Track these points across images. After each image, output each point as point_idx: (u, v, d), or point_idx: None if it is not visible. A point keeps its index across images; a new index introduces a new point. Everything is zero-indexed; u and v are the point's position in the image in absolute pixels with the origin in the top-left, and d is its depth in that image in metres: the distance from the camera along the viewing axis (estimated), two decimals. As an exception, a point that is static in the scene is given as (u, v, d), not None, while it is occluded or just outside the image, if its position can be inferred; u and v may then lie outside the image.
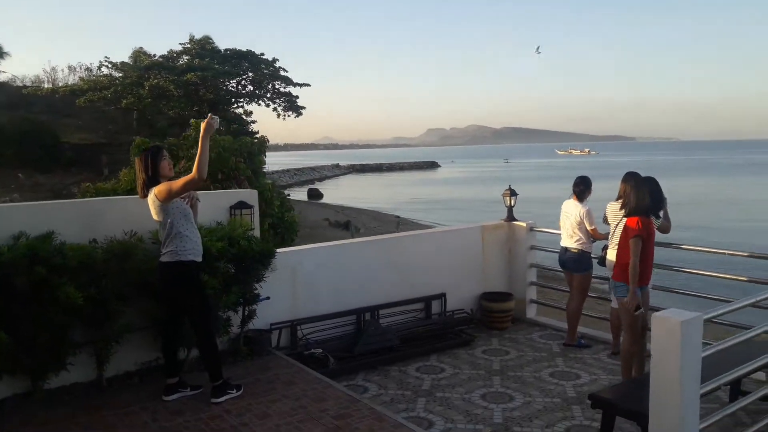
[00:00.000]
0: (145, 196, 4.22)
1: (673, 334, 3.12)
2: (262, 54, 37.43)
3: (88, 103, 36.64)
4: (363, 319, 5.85)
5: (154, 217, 4.23)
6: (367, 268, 5.97)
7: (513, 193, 7.02)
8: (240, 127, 33.76)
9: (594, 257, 5.94)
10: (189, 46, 38.88)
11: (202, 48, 38.24)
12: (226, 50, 38.29)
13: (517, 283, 6.92)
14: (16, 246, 4.03)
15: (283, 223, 11.80)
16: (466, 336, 6.23)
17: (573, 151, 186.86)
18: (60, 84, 44.58)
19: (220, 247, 4.60)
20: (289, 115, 38.62)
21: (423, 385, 5.11)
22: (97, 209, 4.68)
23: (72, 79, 45.14)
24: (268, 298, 5.20)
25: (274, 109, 38.94)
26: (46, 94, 41.96)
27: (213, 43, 39.80)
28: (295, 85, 38.42)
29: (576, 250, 5.97)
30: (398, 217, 30.88)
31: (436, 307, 6.42)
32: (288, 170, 70.46)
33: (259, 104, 38.75)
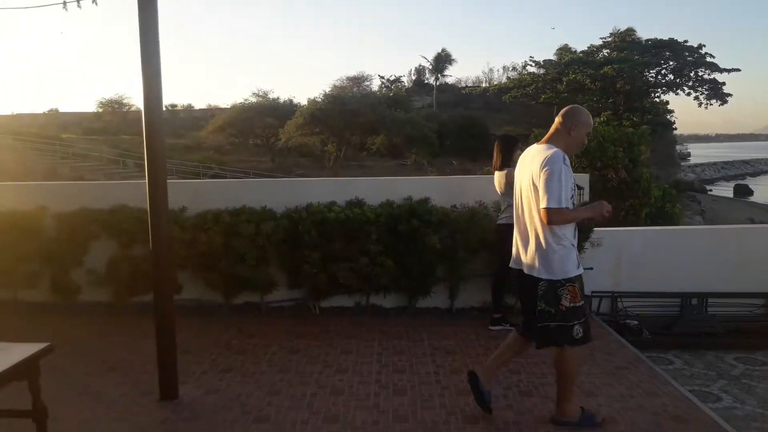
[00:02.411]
0: (499, 170, 5.45)
1: None
2: (686, 41, 35.24)
3: (512, 99, 40.94)
4: (688, 303, 6.06)
5: (499, 189, 5.55)
6: (696, 255, 6.13)
7: None
8: (654, 117, 32.72)
9: None
10: (609, 39, 39.35)
11: (623, 40, 38.28)
12: (647, 41, 37.43)
13: None
14: (403, 204, 5.94)
15: (663, 214, 11.83)
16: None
17: None
18: (495, 83, 50.73)
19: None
20: (711, 104, 35.47)
21: (733, 371, 5.17)
22: (458, 183, 6.33)
23: (504, 79, 50.79)
24: (591, 268, 5.98)
25: (696, 98, 36.25)
26: (481, 93, 48.35)
27: (635, 33, 39.31)
28: (722, 71, 34.97)
29: None
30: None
31: (783, 306, 6.07)
32: (715, 163, 63.75)
33: (678, 93, 36.66)
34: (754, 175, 62.45)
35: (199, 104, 52.05)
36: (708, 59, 35.28)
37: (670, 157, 41.34)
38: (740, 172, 63.31)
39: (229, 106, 43.00)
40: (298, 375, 4.43)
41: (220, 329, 5.50)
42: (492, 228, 5.67)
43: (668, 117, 36.07)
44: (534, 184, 3.29)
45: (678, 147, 53.44)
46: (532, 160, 3.37)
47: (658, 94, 37.34)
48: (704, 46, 35.31)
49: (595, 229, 5.88)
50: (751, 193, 43.28)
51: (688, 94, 36.56)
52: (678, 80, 36.75)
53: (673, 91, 36.85)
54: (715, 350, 5.65)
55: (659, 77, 37.08)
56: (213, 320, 5.77)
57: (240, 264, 5.79)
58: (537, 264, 3.35)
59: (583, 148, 4.14)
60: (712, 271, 6.15)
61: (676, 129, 39.82)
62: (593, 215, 3.41)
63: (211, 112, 46.70)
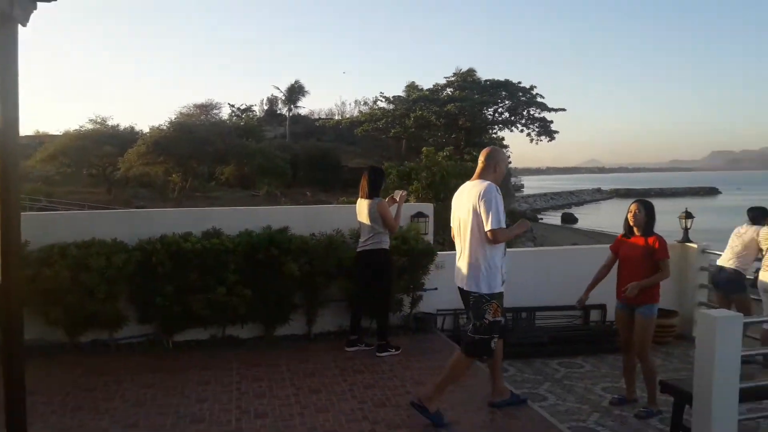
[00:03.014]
0: (368, 198, 5.65)
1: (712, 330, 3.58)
2: (519, 82, 39.01)
3: (364, 133, 42.31)
4: (519, 317, 6.82)
5: (364, 219, 5.70)
6: (527, 274, 6.91)
7: (689, 215, 7.25)
8: (492, 152, 35.56)
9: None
10: (453, 79, 42.25)
11: (464, 80, 41.25)
12: (485, 81, 40.77)
13: (685, 302, 7.11)
14: (262, 233, 6.08)
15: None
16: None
17: None
18: (347, 116, 52.17)
19: (394, 244, 6.11)
20: (541, 139, 39.44)
21: (556, 374, 5.92)
22: (315, 212, 6.62)
23: (356, 112, 52.43)
24: (435, 288, 6.54)
25: (528, 134, 40.09)
26: (334, 125, 49.33)
27: (475, 74, 42.60)
28: (550, 110, 39.12)
29: (732, 270, 6.13)
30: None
31: (595, 316, 7.03)
32: (545, 194, 70.34)
33: (512, 130, 40.28)
34: (579, 204, 69.99)
35: (25, 130, 47.48)
36: (538, 99, 39.30)
37: (506, 189, 45.13)
38: (567, 201, 70.59)
39: (61, 133, 39.91)
40: (155, 407, 4.38)
41: (66, 368, 5.23)
42: (350, 255, 6.00)
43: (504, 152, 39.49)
44: (475, 212, 3.96)
45: (513, 179, 58.29)
46: (468, 194, 4.09)
47: (495, 131, 40.78)
48: (535, 87, 39.35)
49: (439, 252, 6.46)
50: (575, 220, 48.40)
51: (521, 131, 40.36)
52: (513, 118, 40.45)
53: (509, 128, 40.48)
54: (542, 357, 6.40)
55: (496, 115, 40.57)
56: (57, 360, 5.45)
57: (88, 299, 5.56)
58: (469, 279, 4.04)
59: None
60: (539, 287, 6.97)
61: (511, 163, 43.66)
62: (521, 231, 4.29)
63: (40, 139, 42.96)
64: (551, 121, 39.99)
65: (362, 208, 5.73)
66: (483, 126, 39.01)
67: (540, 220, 47.27)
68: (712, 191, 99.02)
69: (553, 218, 52.07)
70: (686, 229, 7.30)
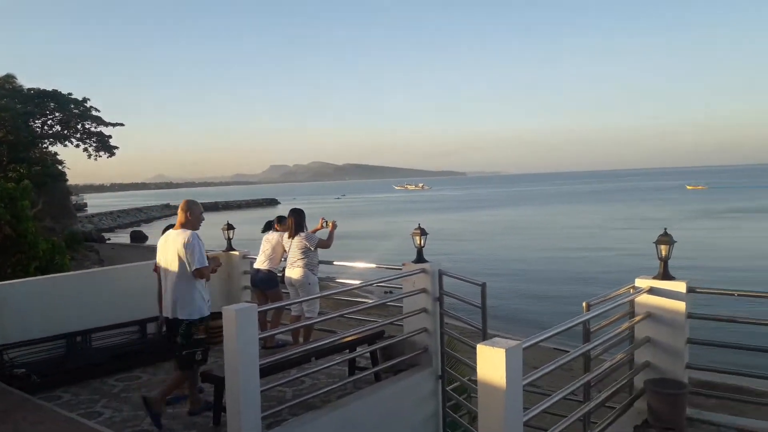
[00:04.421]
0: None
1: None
2: (70, 94, 36.26)
3: None
4: (73, 341, 6.69)
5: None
6: (80, 297, 6.85)
7: (230, 227, 8.32)
8: (43, 169, 32.28)
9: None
10: (-14, 85, 36.47)
11: (1, 87, 36.10)
12: (29, 89, 36.55)
13: (232, 302, 8.14)
14: None
15: (53, 266, 12.10)
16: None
17: (409, 186, 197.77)
18: None
19: None
20: (101, 155, 37.59)
21: (114, 390, 6.08)
22: None
23: None
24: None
25: (85, 149, 37.70)
26: None
27: (15, 80, 37.72)
28: (108, 124, 37.62)
29: (266, 271, 7.40)
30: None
31: (153, 328, 7.42)
32: (111, 212, 67.05)
33: (66, 145, 37.27)
34: (148, 221, 68.84)
35: None
36: (93, 113, 37.24)
37: (66, 209, 41.44)
38: (135, 219, 68.64)
39: None
40: None
41: None
42: None
43: (60, 168, 36.17)
44: (180, 257, 5.03)
45: (74, 198, 53.75)
46: (174, 240, 5.12)
47: (46, 145, 36.97)
48: (89, 99, 37.14)
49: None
50: (145, 238, 47.46)
51: (77, 146, 37.62)
52: (66, 131, 37.35)
53: (61, 142, 37.22)
54: (101, 377, 6.45)
55: (46, 128, 36.82)
56: None
57: None
58: (178, 309, 5.07)
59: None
60: (95, 309, 6.96)
61: (68, 180, 40.26)
62: (215, 267, 5.40)
63: None
64: (110, 136, 38.52)
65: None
66: (30, 139, 34.91)
67: (107, 241, 44.93)
68: (272, 202, 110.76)
69: (123, 237, 50.17)
70: (229, 240, 8.36)
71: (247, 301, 8.30)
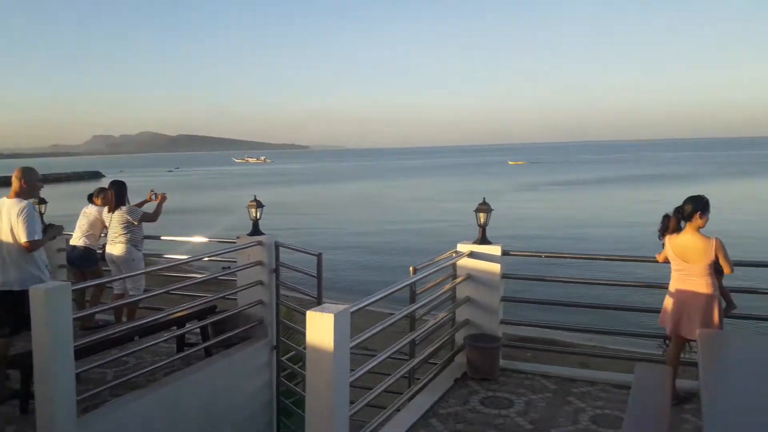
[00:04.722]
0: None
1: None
2: None
3: None
4: None
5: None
6: None
7: (43, 201, 7.53)
8: None
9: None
10: None
11: None
12: None
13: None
14: None
15: None
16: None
17: (250, 160, 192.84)
18: None
19: None
20: None
21: None
22: None
23: None
24: None
25: None
26: None
27: None
28: None
29: (83, 248, 6.81)
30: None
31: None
32: None
33: None
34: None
35: None
36: None
37: None
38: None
39: None
40: None
41: None
42: None
43: None
44: (12, 227, 4.68)
45: None
46: (8, 211, 4.73)
47: None
48: None
49: None
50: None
51: None
52: None
53: None
54: None
55: None
56: None
57: None
58: (17, 281, 4.68)
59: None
60: None
61: None
62: (54, 235, 5.41)
63: None
64: None
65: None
66: None
67: None
68: (96, 175, 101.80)
69: None
70: (41, 215, 7.54)
71: (63, 281, 7.61)
